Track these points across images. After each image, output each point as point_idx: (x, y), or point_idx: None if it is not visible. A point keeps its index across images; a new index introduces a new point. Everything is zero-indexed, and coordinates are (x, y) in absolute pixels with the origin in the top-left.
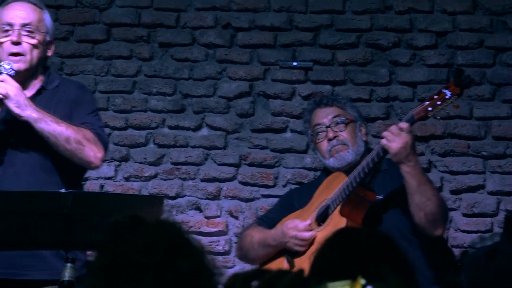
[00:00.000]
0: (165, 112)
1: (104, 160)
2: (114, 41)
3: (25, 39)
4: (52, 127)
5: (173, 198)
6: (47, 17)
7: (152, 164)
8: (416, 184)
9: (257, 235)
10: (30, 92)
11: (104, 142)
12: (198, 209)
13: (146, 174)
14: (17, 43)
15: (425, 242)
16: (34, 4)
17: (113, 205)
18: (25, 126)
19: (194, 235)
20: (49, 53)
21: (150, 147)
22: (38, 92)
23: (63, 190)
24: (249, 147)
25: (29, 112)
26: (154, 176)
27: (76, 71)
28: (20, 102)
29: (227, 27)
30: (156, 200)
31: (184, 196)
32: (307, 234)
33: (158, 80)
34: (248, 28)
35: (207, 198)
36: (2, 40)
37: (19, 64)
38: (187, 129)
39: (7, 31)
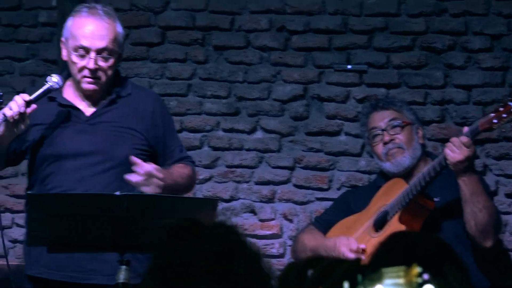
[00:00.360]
0: (220, 115)
1: None
2: (169, 44)
3: (100, 63)
4: (171, 187)
5: (228, 201)
6: (119, 28)
7: (206, 166)
8: (469, 193)
9: (311, 242)
10: (103, 101)
11: (192, 163)
12: (253, 212)
13: (201, 177)
14: (94, 70)
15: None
16: (107, 18)
17: (168, 207)
18: (109, 143)
19: (250, 238)
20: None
21: (205, 149)
22: (113, 101)
23: (118, 193)
24: (303, 150)
25: (164, 184)
26: (209, 179)
27: (131, 74)
28: (158, 189)
29: (282, 30)
30: (210, 203)
31: (239, 199)
32: (355, 256)
33: (213, 83)
34: (302, 31)
35: (261, 201)
36: (76, 61)
37: (93, 86)
38: (242, 132)
39: (82, 55)
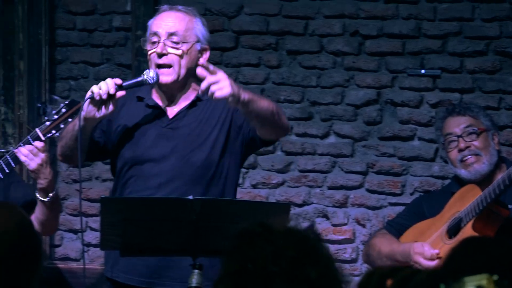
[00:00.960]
0: (293, 120)
1: None
2: (242, 49)
3: (170, 50)
4: (260, 104)
5: (300, 205)
6: (197, 25)
7: (279, 171)
8: None
9: (386, 248)
10: (183, 103)
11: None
12: (325, 216)
13: (274, 182)
14: (162, 54)
15: None
16: (184, 12)
17: (241, 212)
18: (184, 140)
19: (324, 242)
20: (201, 61)
21: (278, 154)
22: (193, 104)
23: (191, 197)
24: (376, 155)
25: (243, 96)
26: (282, 184)
27: None
28: (236, 92)
29: (355, 34)
30: (283, 208)
31: (311, 203)
32: (431, 263)
33: (286, 87)
34: (376, 36)
35: (334, 206)
36: (150, 51)
37: (166, 77)
38: (315, 136)
39: (154, 42)
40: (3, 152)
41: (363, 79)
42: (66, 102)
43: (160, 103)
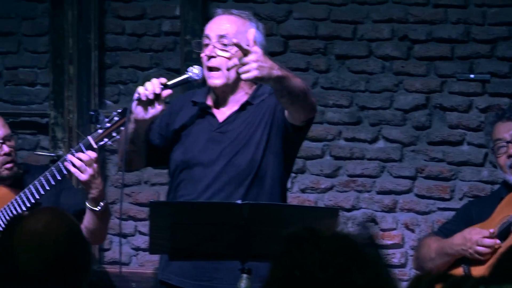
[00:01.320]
0: (342, 124)
1: None
2: (291, 53)
3: (219, 52)
4: (293, 82)
5: (349, 210)
6: (249, 27)
7: (328, 176)
8: None
9: (434, 244)
10: (234, 107)
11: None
12: (374, 221)
13: (322, 186)
14: (211, 56)
15: None
16: (237, 15)
17: (289, 216)
18: (229, 143)
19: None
20: None
21: (327, 159)
22: (242, 108)
23: (239, 201)
24: (425, 160)
25: (276, 73)
26: (330, 188)
27: None
28: (265, 74)
29: (404, 39)
30: (331, 212)
31: (360, 208)
32: (491, 241)
33: (335, 92)
34: (425, 40)
35: (383, 211)
36: (201, 54)
37: (215, 81)
38: (363, 141)
39: (206, 44)
40: (53, 156)
41: (412, 83)
42: (119, 111)
43: (212, 106)
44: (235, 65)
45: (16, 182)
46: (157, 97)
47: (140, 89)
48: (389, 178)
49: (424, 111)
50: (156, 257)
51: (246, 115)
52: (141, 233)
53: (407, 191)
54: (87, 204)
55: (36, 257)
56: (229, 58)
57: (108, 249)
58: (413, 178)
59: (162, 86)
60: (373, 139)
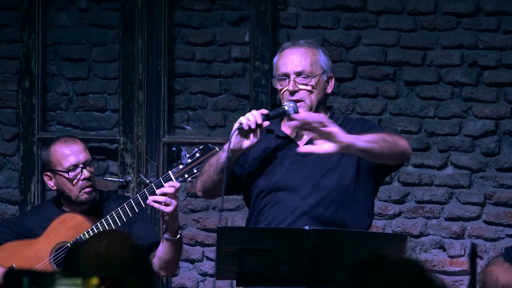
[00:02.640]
0: None
1: None
2: (360, 79)
3: (300, 86)
4: (365, 140)
5: (417, 236)
6: (321, 57)
7: (396, 202)
8: None
9: (504, 277)
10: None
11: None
12: (442, 248)
13: (390, 212)
14: (294, 92)
15: None
16: (307, 46)
17: (357, 242)
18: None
19: (437, 274)
20: (329, 90)
21: (395, 185)
22: None
23: (307, 227)
24: (494, 186)
25: (347, 138)
26: (398, 214)
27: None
28: (340, 132)
29: (474, 65)
30: (399, 239)
31: (428, 234)
32: None
33: (404, 118)
34: (494, 67)
35: (451, 237)
36: (282, 90)
37: (300, 110)
38: (432, 167)
39: (284, 79)
40: (122, 182)
41: (481, 109)
42: (201, 147)
43: (289, 133)
44: (317, 95)
45: (94, 209)
46: (257, 127)
47: (242, 119)
48: (458, 205)
49: (493, 137)
50: (222, 283)
51: None
52: (208, 258)
53: (476, 218)
54: (165, 235)
55: None
56: (311, 92)
57: (175, 275)
58: (481, 205)
59: (264, 117)
60: (442, 165)
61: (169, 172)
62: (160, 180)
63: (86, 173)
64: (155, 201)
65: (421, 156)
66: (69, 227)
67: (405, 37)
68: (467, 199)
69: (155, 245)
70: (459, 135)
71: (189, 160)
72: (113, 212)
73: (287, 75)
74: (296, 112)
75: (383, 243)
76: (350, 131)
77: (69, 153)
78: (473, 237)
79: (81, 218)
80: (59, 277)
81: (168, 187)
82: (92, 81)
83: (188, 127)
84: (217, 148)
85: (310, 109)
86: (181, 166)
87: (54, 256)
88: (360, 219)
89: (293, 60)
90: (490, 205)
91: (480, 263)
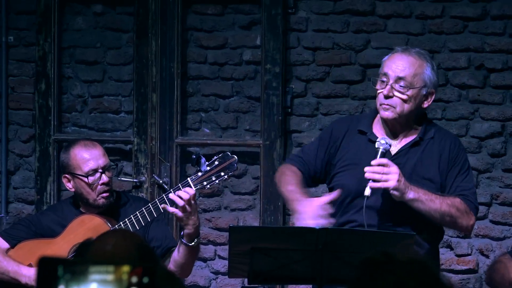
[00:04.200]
0: None
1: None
2: (369, 82)
3: (396, 93)
4: (428, 206)
5: None
6: (427, 70)
7: None
8: None
9: (510, 273)
10: (405, 141)
11: (474, 208)
12: (449, 247)
13: None
14: (388, 96)
15: None
16: (416, 56)
17: (366, 241)
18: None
19: (444, 273)
20: (425, 104)
21: None
22: (416, 143)
23: (317, 227)
24: (500, 187)
25: (408, 195)
26: None
27: (332, 111)
28: (402, 189)
29: (481, 68)
30: (407, 237)
31: None
32: None
33: None
34: (501, 69)
35: (458, 237)
36: (378, 91)
37: (388, 113)
38: None
39: (383, 81)
40: (136, 182)
41: (487, 111)
42: (220, 155)
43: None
44: (410, 106)
45: (111, 210)
46: None
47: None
48: None
49: (499, 138)
50: (234, 281)
51: (419, 151)
52: (220, 257)
53: (482, 217)
54: (182, 239)
55: None
56: (405, 101)
57: None
58: (488, 205)
59: None
60: None
61: (188, 179)
62: (178, 186)
63: (105, 178)
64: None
65: None
66: (88, 228)
67: (413, 41)
68: None
69: (169, 251)
70: (466, 137)
71: (208, 168)
72: (131, 216)
73: (387, 76)
74: (389, 148)
75: (391, 241)
76: (442, 150)
77: (89, 158)
78: (479, 236)
79: (100, 220)
80: (92, 264)
81: (183, 192)
82: (107, 84)
83: (206, 130)
84: (235, 157)
85: (399, 117)
86: (200, 174)
87: (72, 256)
88: (434, 229)
89: (399, 65)
90: (496, 205)
91: (487, 262)
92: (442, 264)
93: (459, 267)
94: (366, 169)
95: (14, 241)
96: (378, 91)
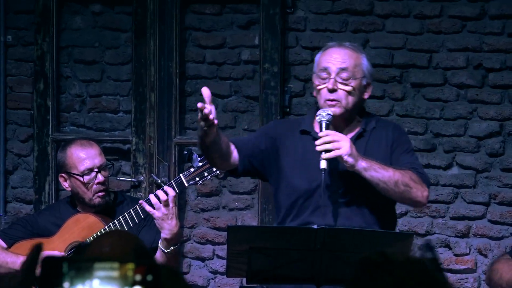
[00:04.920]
0: (416, 151)
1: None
2: None
3: (340, 86)
4: (381, 173)
5: (423, 235)
6: (364, 61)
7: None
8: None
9: (507, 274)
10: (350, 135)
11: (426, 180)
12: (447, 246)
13: (397, 212)
14: (332, 90)
15: None
16: (351, 48)
17: (364, 241)
18: (349, 176)
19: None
20: (366, 95)
21: None
22: (360, 135)
23: (315, 226)
24: (498, 186)
25: (361, 162)
26: (405, 214)
27: None
28: (354, 155)
29: (479, 67)
30: (406, 237)
31: (434, 233)
32: None
33: (410, 119)
34: (499, 69)
35: (456, 236)
36: (320, 87)
37: (335, 109)
38: (438, 167)
39: (324, 78)
40: (134, 182)
41: (486, 111)
42: None
43: None
44: (354, 98)
45: (108, 210)
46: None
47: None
48: (463, 204)
49: (497, 138)
50: (233, 281)
51: (363, 142)
52: (218, 256)
53: (481, 217)
54: (159, 243)
55: None
56: (349, 92)
57: (187, 272)
58: (486, 204)
59: None
60: (447, 166)
61: (181, 175)
62: (171, 182)
63: (100, 177)
64: (148, 202)
65: (427, 157)
66: (83, 227)
67: (412, 40)
68: (472, 198)
69: (154, 250)
70: (464, 136)
71: (200, 164)
72: (125, 213)
73: (328, 71)
74: (331, 119)
75: (389, 241)
76: (385, 137)
77: (84, 157)
78: (478, 236)
79: (95, 219)
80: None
81: (161, 192)
82: (105, 83)
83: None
84: None
85: (346, 110)
86: (192, 170)
87: (68, 255)
88: (388, 223)
89: (337, 57)
90: (494, 204)
91: (485, 261)
92: (441, 264)
93: (457, 267)
94: (317, 142)
95: (11, 240)
96: (320, 87)
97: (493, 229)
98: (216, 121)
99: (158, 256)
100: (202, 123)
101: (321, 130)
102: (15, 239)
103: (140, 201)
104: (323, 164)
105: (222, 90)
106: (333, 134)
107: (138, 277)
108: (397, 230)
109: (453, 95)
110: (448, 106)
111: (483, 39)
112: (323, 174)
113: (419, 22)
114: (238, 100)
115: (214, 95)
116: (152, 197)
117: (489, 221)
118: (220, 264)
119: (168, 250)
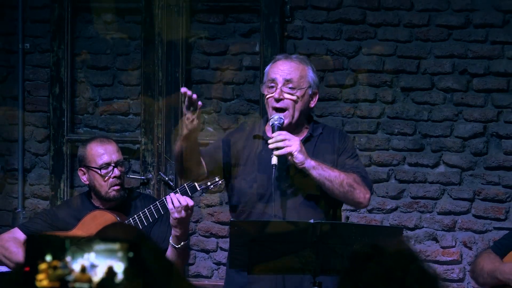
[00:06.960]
0: (406, 151)
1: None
2: (360, 86)
3: (286, 95)
4: (328, 173)
5: (412, 229)
6: (309, 73)
7: (393, 198)
8: None
9: (488, 265)
10: (301, 139)
11: (369, 184)
12: (435, 239)
13: (388, 207)
14: (279, 99)
15: None
16: (298, 61)
17: (357, 235)
18: (298, 173)
19: (430, 264)
20: (312, 104)
21: (392, 182)
22: (307, 139)
23: (312, 221)
24: (482, 183)
25: (309, 161)
26: (395, 209)
27: (326, 113)
28: (303, 153)
29: (464, 73)
30: (396, 231)
31: (422, 227)
32: None
33: (400, 121)
34: (483, 74)
35: (443, 230)
36: (268, 96)
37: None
38: (426, 166)
39: (272, 87)
40: (143, 179)
41: (470, 113)
42: None
43: None
44: (301, 106)
45: (123, 205)
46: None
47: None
48: (449, 200)
49: (481, 138)
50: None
51: (311, 147)
52: (222, 249)
53: (466, 212)
54: (170, 240)
55: None
56: (295, 101)
57: (192, 264)
58: (471, 200)
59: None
60: (435, 164)
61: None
62: (184, 186)
63: (116, 171)
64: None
65: (416, 156)
66: (99, 223)
67: (401, 47)
68: (458, 195)
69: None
70: (451, 137)
71: None
72: (140, 213)
73: (275, 82)
74: (283, 123)
75: (381, 235)
76: (331, 142)
77: (103, 152)
78: (463, 230)
79: (111, 216)
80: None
81: (183, 198)
82: (116, 88)
83: (210, 129)
84: None
85: (293, 118)
86: None
87: None
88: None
89: (284, 69)
90: (478, 200)
91: (470, 253)
92: (428, 256)
93: (444, 258)
94: (269, 141)
95: (31, 233)
96: (268, 96)
97: (477, 224)
98: (200, 103)
99: (169, 252)
100: (188, 115)
101: (273, 133)
102: (34, 232)
103: (166, 196)
104: (274, 160)
105: (225, 94)
106: (285, 134)
107: (120, 254)
108: (387, 224)
109: (440, 99)
110: (435, 108)
111: (468, 47)
112: (273, 169)
113: (408, 31)
114: (240, 103)
115: (217, 98)
116: (174, 198)
117: (474, 216)
118: (223, 256)
119: (179, 246)
